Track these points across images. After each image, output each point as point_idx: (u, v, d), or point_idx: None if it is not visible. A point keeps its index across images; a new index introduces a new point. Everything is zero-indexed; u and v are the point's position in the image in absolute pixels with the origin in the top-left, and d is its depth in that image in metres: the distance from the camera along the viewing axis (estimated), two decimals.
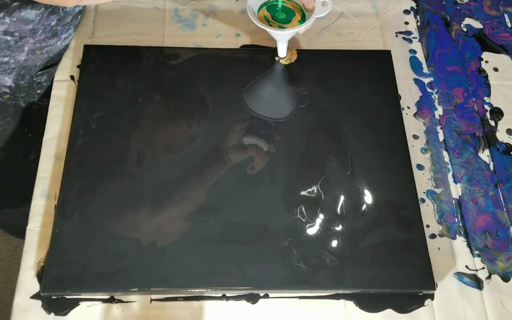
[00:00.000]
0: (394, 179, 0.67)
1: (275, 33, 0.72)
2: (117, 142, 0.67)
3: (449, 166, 0.71)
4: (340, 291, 0.61)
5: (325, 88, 0.74)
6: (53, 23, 0.71)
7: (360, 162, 0.68)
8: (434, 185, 0.69)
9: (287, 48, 0.75)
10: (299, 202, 0.64)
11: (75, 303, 0.59)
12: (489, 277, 0.63)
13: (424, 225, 0.65)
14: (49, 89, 0.79)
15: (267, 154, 0.68)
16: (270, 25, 0.71)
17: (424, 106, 0.76)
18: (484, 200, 0.68)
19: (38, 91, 0.79)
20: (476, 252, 0.65)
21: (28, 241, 0.62)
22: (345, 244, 0.62)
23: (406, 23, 0.85)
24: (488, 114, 0.76)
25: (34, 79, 0.77)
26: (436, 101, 0.77)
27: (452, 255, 0.65)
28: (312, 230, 0.63)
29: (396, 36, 0.83)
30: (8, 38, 0.68)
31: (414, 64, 0.80)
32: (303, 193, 0.65)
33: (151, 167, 0.66)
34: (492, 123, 0.75)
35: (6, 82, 0.74)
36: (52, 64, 0.77)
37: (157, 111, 0.70)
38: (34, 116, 0.81)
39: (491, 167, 0.71)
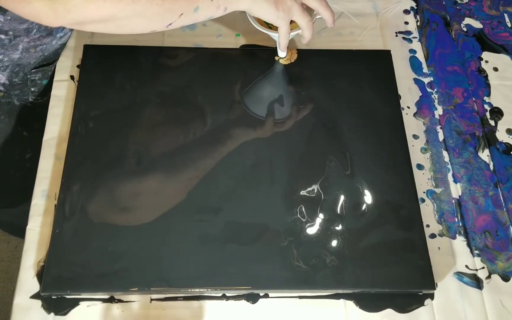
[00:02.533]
0: (394, 179, 0.67)
1: (275, 35, 0.72)
2: (117, 142, 0.67)
3: (449, 166, 0.71)
4: (340, 291, 0.61)
5: (325, 88, 0.74)
6: None
7: (360, 162, 0.68)
8: (434, 184, 0.69)
9: (287, 48, 0.75)
10: (299, 201, 0.64)
11: (75, 303, 0.59)
12: (489, 277, 0.63)
13: (424, 224, 0.65)
14: (44, 87, 0.78)
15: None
16: (270, 27, 0.71)
17: (424, 106, 0.76)
18: (484, 200, 0.68)
19: (32, 89, 0.79)
20: (476, 251, 0.65)
21: (28, 240, 0.62)
22: (345, 243, 0.62)
23: (406, 23, 0.85)
24: (488, 114, 0.76)
25: (28, 76, 0.76)
26: (436, 101, 0.77)
27: (452, 254, 0.65)
28: (312, 230, 0.63)
29: (396, 36, 0.83)
30: (2, 36, 0.68)
31: (414, 64, 0.80)
32: (303, 192, 0.65)
33: (151, 167, 0.66)
34: (492, 123, 0.75)
35: (0, 79, 0.74)
36: (48, 62, 0.76)
37: (157, 111, 0.70)
38: (29, 114, 0.81)
39: (491, 167, 0.71)
